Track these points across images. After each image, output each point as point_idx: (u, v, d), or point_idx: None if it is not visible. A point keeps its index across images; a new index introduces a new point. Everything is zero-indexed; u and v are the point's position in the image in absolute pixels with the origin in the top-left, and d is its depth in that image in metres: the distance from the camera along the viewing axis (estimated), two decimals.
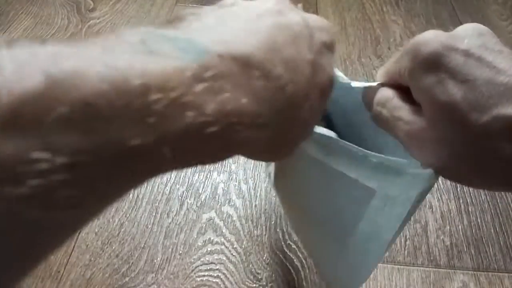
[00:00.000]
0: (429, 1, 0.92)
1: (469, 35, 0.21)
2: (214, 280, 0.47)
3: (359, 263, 0.31)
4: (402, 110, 0.22)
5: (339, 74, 0.27)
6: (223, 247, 0.49)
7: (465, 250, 0.51)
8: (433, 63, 0.20)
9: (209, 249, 0.49)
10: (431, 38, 0.21)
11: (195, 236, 0.50)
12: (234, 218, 0.52)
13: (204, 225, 0.51)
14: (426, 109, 0.21)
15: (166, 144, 0.14)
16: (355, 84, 0.26)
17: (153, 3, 0.89)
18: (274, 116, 0.17)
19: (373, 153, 0.24)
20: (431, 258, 0.50)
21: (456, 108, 0.19)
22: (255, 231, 0.51)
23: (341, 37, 0.82)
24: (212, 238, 0.50)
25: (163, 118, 0.14)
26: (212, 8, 0.19)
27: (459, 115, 0.19)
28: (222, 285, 0.46)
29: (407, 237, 0.52)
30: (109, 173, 0.13)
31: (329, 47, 0.21)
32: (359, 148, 0.24)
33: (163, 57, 0.14)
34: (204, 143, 0.15)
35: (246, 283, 0.47)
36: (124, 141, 0.13)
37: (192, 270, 0.47)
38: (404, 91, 0.23)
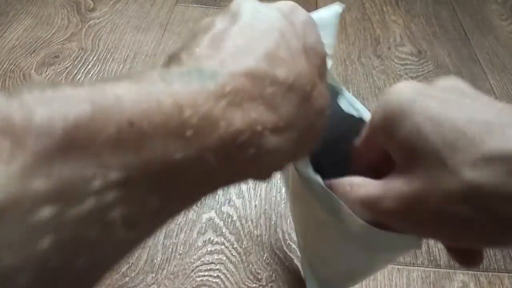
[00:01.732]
0: (429, 1, 0.92)
1: (446, 84, 0.21)
2: (214, 280, 0.47)
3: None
4: (368, 185, 0.22)
5: (333, 76, 0.28)
6: (223, 247, 0.49)
7: None
8: (408, 110, 0.20)
9: (209, 249, 0.49)
10: (404, 86, 0.21)
11: (195, 236, 0.50)
12: (234, 218, 0.52)
13: (204, 225, 0.51)
14: (403, 163, 0.20)
15: (206, 154, 0.15)
16: (343, 101, 0.28)
17: (153, 3, 0.89)
18: (293, 115, 0.19)
19: (361, 223, 0.23)
20: (431, 258, 0.50)
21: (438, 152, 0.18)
22: (255, 231, 0.51)
23: (341, 37, 0.82)
24: (212, 238, 0.50)
25: (199, 131, 0.15)
26: (211, 31, 0.20)
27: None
28: (222, 285, 0.46)
29: None
30: (159, 189, 0.14)
31: (305, 22, 0.22)
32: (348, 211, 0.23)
33: (184, 84, 0.16)
34: (241, 152, 0.17)
35: (246, 283, 0.47)
36: (168, 155, 0.14)
37: (192, 270, 0.48)
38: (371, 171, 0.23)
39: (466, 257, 0.23)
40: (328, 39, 0.27)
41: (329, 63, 0.28)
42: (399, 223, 0.21)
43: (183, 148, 0.15)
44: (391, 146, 0.21)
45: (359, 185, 0.23)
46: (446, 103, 0.19)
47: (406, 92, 0.20)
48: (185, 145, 0.15)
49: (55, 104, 0.13)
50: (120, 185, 0.13)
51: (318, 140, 0.22)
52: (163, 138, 0.14)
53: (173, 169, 0.14)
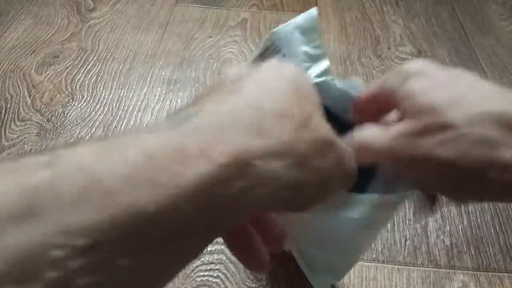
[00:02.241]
0: (429, 1, 0.92)
1: (455, 70, 0.26)
2: (214, 280, 0.47)
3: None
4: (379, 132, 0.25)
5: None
6: (223, 247, 0.49)
7: (465, 250, 0.51)
8: (419, 72, 0.25)
9: (209, 249, 0.49)
10: (418, 60, 0.26)
11: None
12: None
13: None
14: (409, 115, 0.24)
15: (180, 199, 0.14)
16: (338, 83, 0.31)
17: (153, 3, 0.89)
18: (287, 140, 0.17)
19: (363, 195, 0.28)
20: (431, 258, 0.50)
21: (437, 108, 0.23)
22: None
23: (341, 37, 0.82)
24: None
25: (171, 175, 0.14)
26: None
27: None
28: (222, 285, 0.46)
29: (407, 237, 0.52)
30: (132, 248, 0.13)
31: (296, 79, 0.21)
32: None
33: (160, 133, 0.16)
34: (227, 187, 0.15)
35: (246, 283, 0.47)
36: (138, 208, 0.13)
37: (192, 270, 0.47)
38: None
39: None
40: (314, 42, 0.30)
41: (326, 63, 0.29)
42: (394, 164, 0.25)
43: (154, 197, 0.13)
44: (399, 99, 0.25)
45: (361, 130, 0.26)
46: (452, 76, 0.25)
47: (421, 62, 0.26)
48: (155, 193, 0.13)
49: (13, 174, 0.12)
50: (86, 251, 0.12)
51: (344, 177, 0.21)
52: (131, 191, 0.13)
53: (146, 223, 0.13)
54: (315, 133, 0.19)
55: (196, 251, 0.16)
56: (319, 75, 0.31)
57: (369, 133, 0.25)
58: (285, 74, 0.20)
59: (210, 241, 0.16)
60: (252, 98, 0.18)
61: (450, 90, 0.24)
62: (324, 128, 0.20)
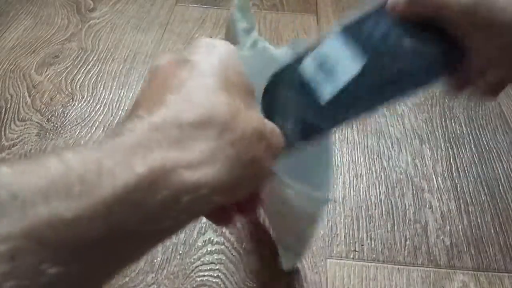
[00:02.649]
0: None
1: None
2: (214, 280, 0.47)
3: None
4: None
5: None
6: (223, 247, 0.49)
7: (465, 250, 0.51)
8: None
9: (209, 249, 0.49)
10: None
11: (195, 236, 0.50)
12: None
13: (204, 225, 0.51)
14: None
15: (100, 207, 0.15)
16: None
17: (153, 3, 0.89)
18: (210, 149, 0.18)
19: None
20: (431, 258, 0.50)
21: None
22: (255, 231, 0.51)
23: None
24: (212, 238, 0.50)
25: (89, 185, 0.15)
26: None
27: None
28: (222, 285, 0.46)
29: (407, 237, 0.52)
30: (54, 255, 0.14)
31: (224, 57, 0.22)
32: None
33: (84, 146, 0.17)
34: (150, 196, 0.16)
35: (246, 283, 0.47)
36: (57, 217, 0.14)
37: (192, 270, 0.48)
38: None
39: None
40: (247, 16, 0.37)
41: (255, 33, 0.36)
42: (463, 26, 0.25)
43: (71, 207, 0.14)
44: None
45: None
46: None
47: None
48: (72, 204, 0.14)
49: None
50: (9, 256, 0.13)
51: (273, 157, 0.22)
52: (48, 202, 0.14)
53: (65, 231, 0.14)
54: (242, 130, 0.20)
55: (134, 255, 0.17)
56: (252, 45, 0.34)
57: None
58: (215, 57, 0.22)
59: (150, 244, 0.18)
60: (173, 110, 0.19)
61: None
62: (252, 120, 0.21)
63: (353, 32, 0.27)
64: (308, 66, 0.27)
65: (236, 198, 0.20)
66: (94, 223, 0.15)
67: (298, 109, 0.27)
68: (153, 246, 0.18)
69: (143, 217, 0.16)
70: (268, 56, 0.35)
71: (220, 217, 0.23)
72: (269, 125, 0.22)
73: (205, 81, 0.20)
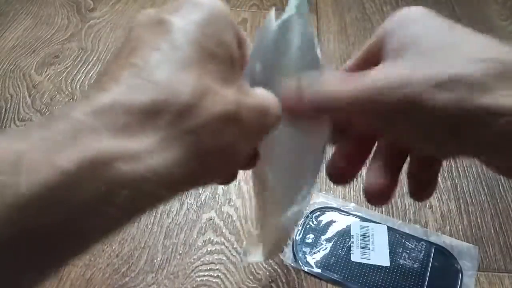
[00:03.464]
0: (429, 1, 0.92)
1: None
2: (214, 280, 0.47)
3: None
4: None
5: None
6: (223, 247, 0.49)
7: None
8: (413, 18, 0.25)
9: (209, 249, 0.49)
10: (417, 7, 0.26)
11: (195, 236, 0.50)
12: (234, 218, 0.52)
13: (204, 225, 0.51)
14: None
15: (16, 207, 0.14)
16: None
17: (153, 3, 0.89)
18: (162, 137, 0.17)
19: None
20: None
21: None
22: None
23: (341, 37, 0.82)
24: (212, 238, 0.50)
25: (5, 182, 0.14)
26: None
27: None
28: (222, 285, 0.46)
29: None
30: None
31: (201, 21, 0.19)
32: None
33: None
34: (81, 192, 0.15)
35: (246, 283, 0.47)
36: None
37: (192, 270, 0.48)
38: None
39: (423, 184, 0.29)
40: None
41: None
42: (365, 114, 0.24)
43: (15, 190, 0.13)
44: (392, 40, 0.26)
45: (326, 75, 0.26)
46: (450, 24, 0.24)
47: (418, 9, 0.26)
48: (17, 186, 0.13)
49: None
50: None
51: (239, 144, 0.19)
52: None
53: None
54: (208, 114, 0.17)
55: (72, 252, 0.16)
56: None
57: (334, 79, 0.25)
58: (196, 18, 0.19)
59: (90, 240, 0.16)
60: (125, 90, 0.17)
61: (448, 35, 0.23)
62: (223, 101, 0.18)
63: None
64: None
65: (208, 184, 0.19)
66: (19, 222, 0.13)
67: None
68: (97, 241, 0.16)
69: (67, 217, 0.14)
70: (302, 37, 0.30)
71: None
72: (253, 101, 0.20)
73: (174, 53, 0.18)
